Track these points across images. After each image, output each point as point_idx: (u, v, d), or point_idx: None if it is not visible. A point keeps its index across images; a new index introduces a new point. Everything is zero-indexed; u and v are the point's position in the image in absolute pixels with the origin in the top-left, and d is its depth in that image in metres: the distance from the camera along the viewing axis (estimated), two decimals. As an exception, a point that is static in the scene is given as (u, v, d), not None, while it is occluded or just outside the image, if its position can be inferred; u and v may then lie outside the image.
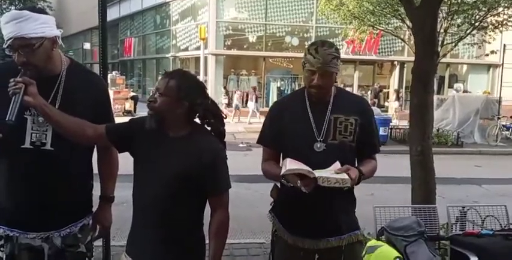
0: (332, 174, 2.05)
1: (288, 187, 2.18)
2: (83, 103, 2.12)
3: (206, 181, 1.97)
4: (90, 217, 2.30)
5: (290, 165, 2.09)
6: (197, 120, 2.07)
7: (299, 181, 2.03)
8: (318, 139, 2.23)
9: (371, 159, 2.38)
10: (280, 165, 2.32)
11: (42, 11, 2.06)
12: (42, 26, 1.98)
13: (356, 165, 2.30)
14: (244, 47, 20.34)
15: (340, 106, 2.28)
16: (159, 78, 2.06)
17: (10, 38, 1.94)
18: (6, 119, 1.86)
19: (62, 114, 2.01)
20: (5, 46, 1.97)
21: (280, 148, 2.35)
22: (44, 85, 2.01)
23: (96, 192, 2.35)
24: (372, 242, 3.35)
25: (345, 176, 2.04)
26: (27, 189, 2.08)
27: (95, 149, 2.30)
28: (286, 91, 20.63)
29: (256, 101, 17.87)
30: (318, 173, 2.05)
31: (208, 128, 2.06)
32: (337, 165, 2.13)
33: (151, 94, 2.04)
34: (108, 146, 2.18)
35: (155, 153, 2.00)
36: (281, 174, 2.10)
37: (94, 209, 2.35)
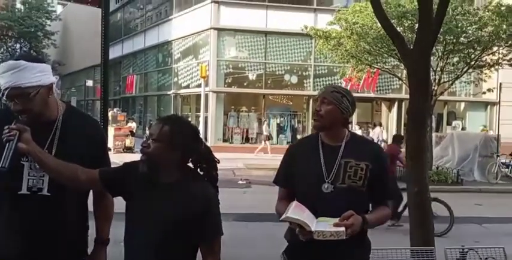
0: (329, 226, 2.08)
1: None
2: (80, 149, 2.15)
3: (197, 228, 1.96)
4: (85, 260, 2.28)
5: (293, 211, 2.12)
6: (190, 164, 2.07)
7: (298, 229, 2.08)
8: (326, 180, 2.25)
9: (384, 205, 2.38)
10: None
11: (38, 60, 2.11)
12: (38, 75, 2.03)
13: (369, 209, 2.32)
14: (245, 84, 20.65)
15: (352, 150, 2.31)
16: (153, 123, 2.09)
17: (7, 88, 1.99)
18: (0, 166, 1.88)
19: (56, 160, 2.03)
20: (1, 95, 2.01)
21: (292, 188, 2.40)
22: (40, 131, 2.05)
23: (91, 230, 2.34)
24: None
25: (340, 229, 2.06)
26: (24, 233, 2.08)
27: (91, 191, 2.31)
28: (285, 128, 20.83)
29: None
30: (316, 224, 2.09)
31: (201, 173, 2.07)
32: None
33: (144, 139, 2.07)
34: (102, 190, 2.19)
35: (147, 199, 2.00)
36: (280, 218, 2.14)
37: (89, 250, 2.33)
